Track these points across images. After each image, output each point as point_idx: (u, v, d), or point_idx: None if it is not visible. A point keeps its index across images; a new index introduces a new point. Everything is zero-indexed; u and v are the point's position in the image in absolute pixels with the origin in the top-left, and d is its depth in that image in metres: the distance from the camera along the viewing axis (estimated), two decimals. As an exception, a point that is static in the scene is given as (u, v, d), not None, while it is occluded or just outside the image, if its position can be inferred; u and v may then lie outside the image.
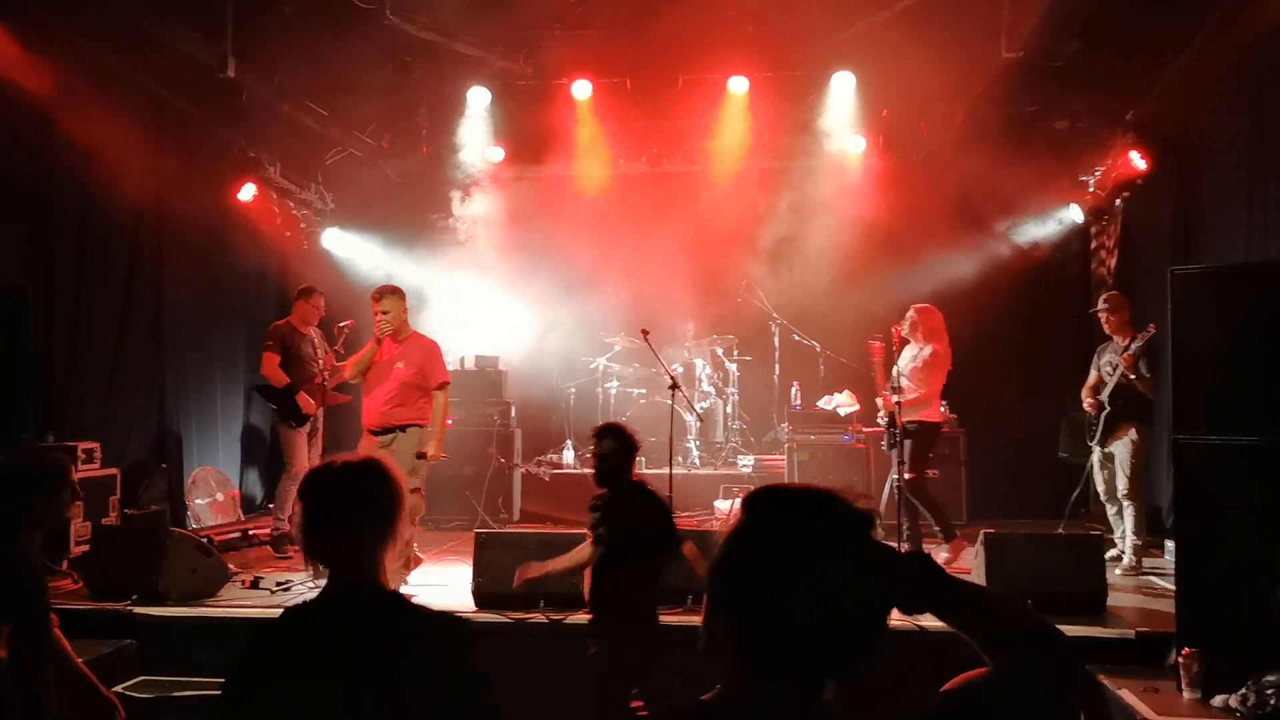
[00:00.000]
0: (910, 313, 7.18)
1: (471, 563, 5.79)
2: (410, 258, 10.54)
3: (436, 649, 2.13)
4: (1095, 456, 7.09)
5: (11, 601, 3.30)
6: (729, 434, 10.23)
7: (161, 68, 7.92)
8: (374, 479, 2.26)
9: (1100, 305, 7.24)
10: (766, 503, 1.47)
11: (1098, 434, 6.98)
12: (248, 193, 9.21)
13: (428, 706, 2.07)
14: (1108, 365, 6.99)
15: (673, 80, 9.57)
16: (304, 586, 6.08)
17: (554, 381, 10.73)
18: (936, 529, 7.02)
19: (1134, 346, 6.71)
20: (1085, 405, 7.12)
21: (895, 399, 6.98)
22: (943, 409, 7.81)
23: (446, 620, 2.23)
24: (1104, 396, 6.94)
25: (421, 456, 6.33)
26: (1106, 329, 7.15)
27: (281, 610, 2.27)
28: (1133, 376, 6.72)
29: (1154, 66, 7.87)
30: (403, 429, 6.37)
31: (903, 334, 7.17)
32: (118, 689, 4.66)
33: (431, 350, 6.61)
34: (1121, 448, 6.88)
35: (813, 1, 8.38)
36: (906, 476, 6.90)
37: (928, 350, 7.05)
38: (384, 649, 2.10)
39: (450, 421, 9.62)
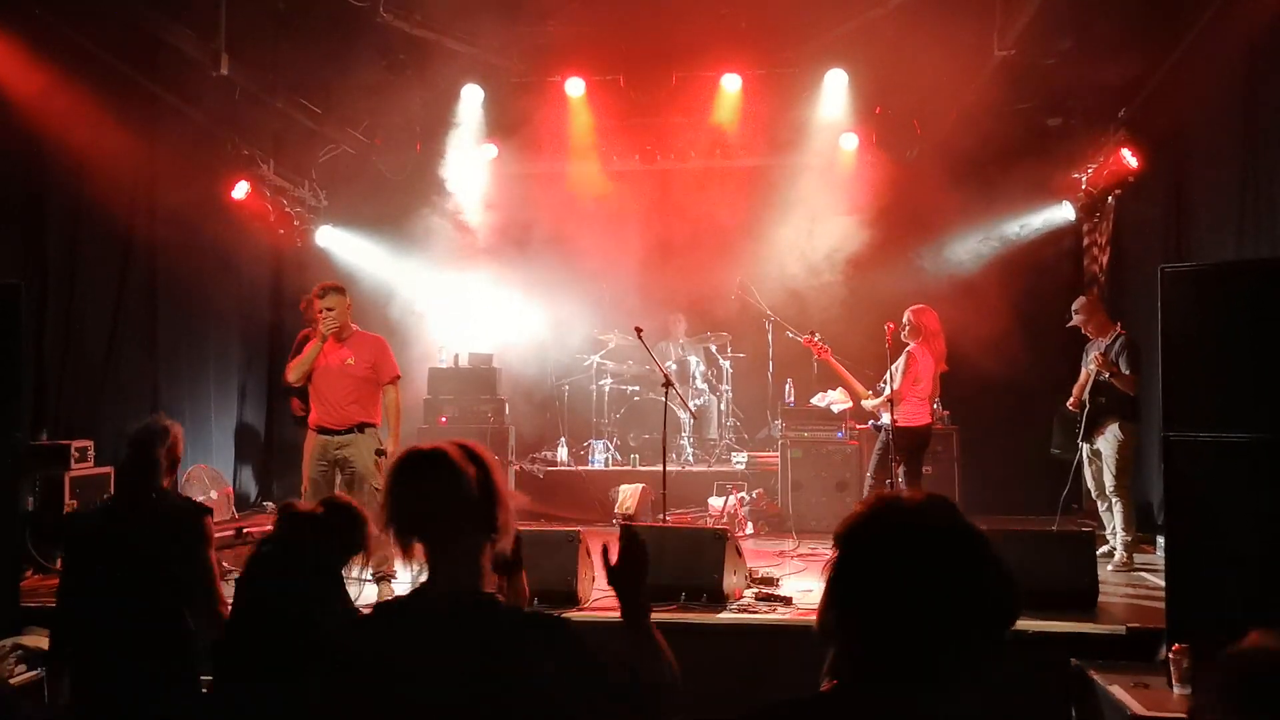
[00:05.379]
0: (906, 314, 7.24)
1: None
2: (403, 255, 10.53)
3: (536, 652, 2.04)
4: (1083, 453, 7.13)
5: None
6: (723, 431, 10.26)
7: (155, 64, 7.92)
8: (464, 465, 2.17)
9: (1074, 317, 7.27)
10: (887, 514, 1.52)
11: (1081, 430, 7.03)
12: (241, 190, 9.19)
13: (539, 710, 2.00)
14: (1092, 363, 7.04)
15: (666, 77, 9.57)
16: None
17: (548, 379, 10.75)
18: None
19: (1108, 347, 6.80)
20: (1068, 403, 7.18)
21: (869, 401, 7.26)
22: (936, 408, 7.87)
23: (541, 621, 2.15)
24: (1085, 394, 7.00)
25: (381, 454, 6.22)
26: (1087, 334, 7.21)
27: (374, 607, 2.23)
28: (1109, 375, 6.77)
29: (1146, 65, 7.88)
30: (360, 429, 6.26)
31: (901, 336, 7.21)
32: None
33: (381, 345, 6.50)
34: (1106, 444, 6.92)
35: (806, -1, 8.40)
36: (900, 479, 6.98)
37: (904, 352, 7.13)
38: (477, 654, 2.01)
39: (444, 419, 9.68)
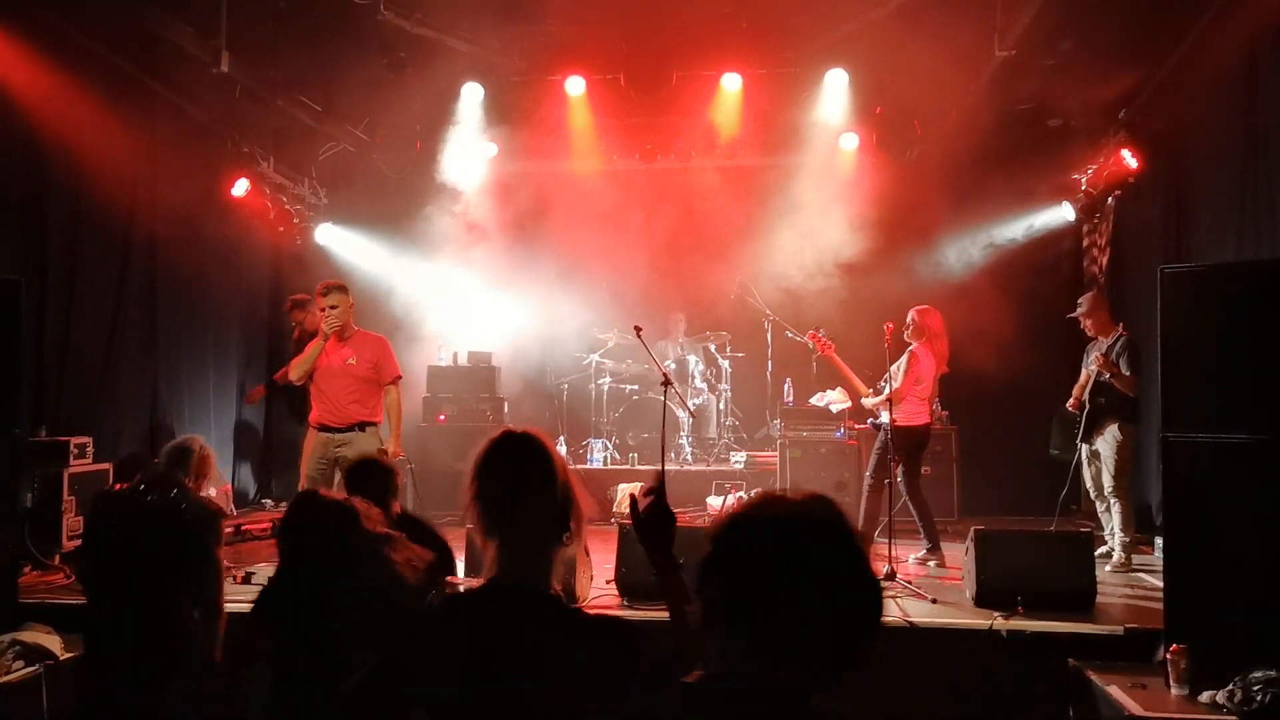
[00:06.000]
0: (910, 314, 7.26)
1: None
2: (403, 253, 10.54)
3: (599, 657, 2.02)
4: (1082, 454, 7.14)
5: None
6: (722, 430, 10.26)
7: (155, 62, 7.92)
8: (556, 458, 2.14)
9: (1078, 310, 7.27)
10: (762, 511, 1.53)
11: (1080, 431, 7.03)
12: (241, 188, 9.20)
13: (604, 708, 1.98)
14: (1093, 363, 7.04)
15: (666, 77, 9.56)
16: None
17: (547, 377, 10.76)
18: (921, 532, 7.12)
19: (1109, 348, 6.81)
20: (1068, 404, 7.18)
21: (869, 400, 7.29)
22: (935, 408, 7.87)
23: (614, 624, 2.14)
24: (1085, 394, 7.00)
25: (382, 454, 6.28)
26: (1088, 331, 7.21)
27: (443, 599, 2.21)
28: (1109, 375, 6.78)
29: (1146, 66, 7.90)
30: (361, 427, 6.34)
31: (905, 336, 7.22)
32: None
33: (383, 345, 6.58)
34: (1105, 445, 6.92)
35: (807, -1, 8.39)
36: (899, 479, 6.99)
37: (906, 351, 7.14)
38: (536, 654, 2.00)
39: (443, 417, 9.68)
